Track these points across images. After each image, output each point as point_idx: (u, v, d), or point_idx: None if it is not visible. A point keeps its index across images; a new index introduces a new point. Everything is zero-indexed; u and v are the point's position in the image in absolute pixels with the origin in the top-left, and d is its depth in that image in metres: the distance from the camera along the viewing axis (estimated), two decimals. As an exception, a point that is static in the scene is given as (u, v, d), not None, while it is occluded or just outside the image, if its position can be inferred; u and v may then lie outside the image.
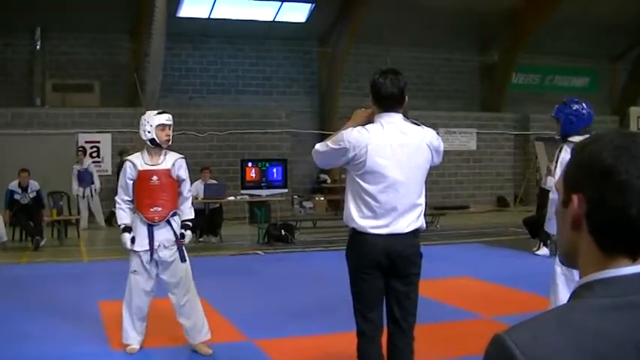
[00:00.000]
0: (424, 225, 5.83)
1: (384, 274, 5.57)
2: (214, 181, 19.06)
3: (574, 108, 7.09)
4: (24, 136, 22.90)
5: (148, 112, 8.07)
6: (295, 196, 26.11)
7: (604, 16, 28.30)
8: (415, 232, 5.66)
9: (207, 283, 12.42)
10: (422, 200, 5.77)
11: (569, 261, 1.67)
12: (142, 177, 7.86)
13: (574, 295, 1.57)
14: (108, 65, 26.15)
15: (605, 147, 1.56)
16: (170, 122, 7.96)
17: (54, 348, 8.18)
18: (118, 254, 15.07)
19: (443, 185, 28.21)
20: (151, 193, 7.84)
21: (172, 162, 8.04)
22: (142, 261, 7.86)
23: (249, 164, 20.14)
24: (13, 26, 24.59)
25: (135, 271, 7.89)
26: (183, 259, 7.98)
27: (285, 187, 20.43)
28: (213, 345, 8.16)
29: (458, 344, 8.14)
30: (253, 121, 26.43)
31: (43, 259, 15.96)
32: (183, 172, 8.11)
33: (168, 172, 7.96)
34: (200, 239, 18.58)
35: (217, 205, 18.75)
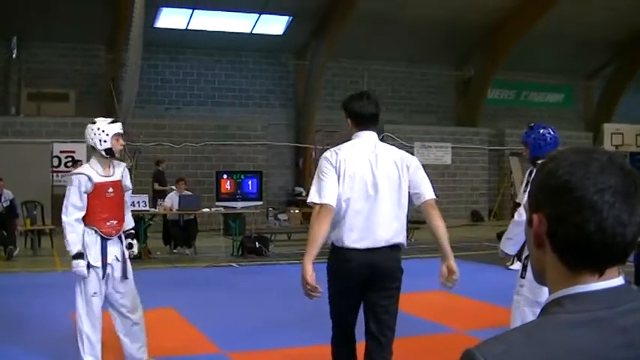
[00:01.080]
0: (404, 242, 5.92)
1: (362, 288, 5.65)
2: (189, 193, 19.01)
3: (541, 132, 7.37)
4: (-1, 145, 22.78)
5: (101, 120, 7.58)
6: (270, 209, 26.08)
7: (579, 33, 28.53)
8: (394, 247, 5.74)
9: (181, 294, 12.41)
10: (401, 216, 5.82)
11: (539, 278, 1.69)
12: (99, 189, 7.33)
13: (544, 311, 1.58)
14: (84, 75, 26.07)
15: (561, 164, 1.57)
16: (122, 131, 7.57)
17: None
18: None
19: (418, 199, 28.22)
20: (108, 207, 7.38)
21: (121, 172, 7.61)
22: (98, 280, 7.32)
23: (225, 176, 20.07)
24: (-11, 34, 24.49)
25: (95, 293, 7.29)
26: (126, 276, 7.52)
27: (260, 199, 20.38)
28: (187, 357, 8.12)
29: (431, 358, 8.15)
30: (229, 133, 26.41)
31: (16, 269, 15.86)
32: (128, 181, 7.74)
33: (120, 183, 7.55)
34: (174, 250, 18.54)
35: (192, 217, 18.70)
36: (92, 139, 7.38)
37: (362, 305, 5.81)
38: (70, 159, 23.78)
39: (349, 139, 5.76)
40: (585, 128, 33.10)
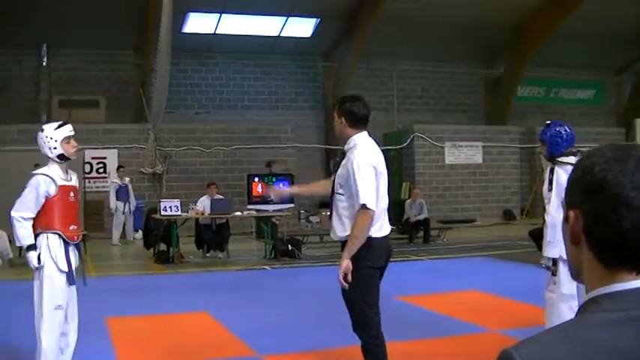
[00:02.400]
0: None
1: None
2: (221, 197, 19.04)
3: (557, 129, 7.45)
4: (30, 153, 22.84)
5: (47, 127, 7.29)
6: (302, 211, 26.08)
7: (609, 28, 28.31)
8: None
9: (214, 298, 12.44)
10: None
11: (577, 276, 1.67)
12: (62, 192, 7.10)
13: (582, 310, 1.56)
14: (114, 81, 26.26)
15: (598, 161, 1.55)
16: (73, 132, 7.27)
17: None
18: (128, 270, 15.15)
19: (449, 199, 28.16)
20: (70, 211, 7.21)
21: (76, 179, 7.44)
22: (63, 290, 7.04)
23: (256, 179, 20.14)
24: (20, 43, 24.71)
25: (59, 305, 7.00)
26: (72, 282, 7.19)
27: (291, 201, 20.39)
28: (220, 360, 8.14)
29: (466, 358, 8.11)
30: (259, 136, 26.45)
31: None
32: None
33: (77, 189, 7.40)
34: (207, 254, 18.57)
35: (224, 221, 18.72)
36: (42, 148, 7.21)
37: None
38: (101, 165, 23.95)
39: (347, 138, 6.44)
40: (617, 124, 32.87)
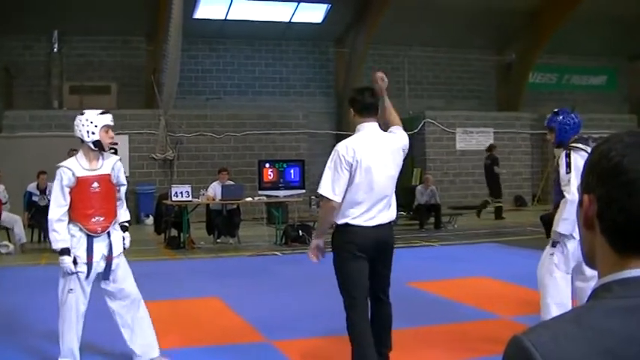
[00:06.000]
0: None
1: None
2: (232, 182, 19.05)
3: (566, 117, 7.62)
4: (42, 138, 22.99)
5: (89, 112, 7.15)
6: (313, 197, 26.08)
7: (622, 14, 28.20)
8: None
9: (225, 283, 12.47)
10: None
11: (589, 261, 1.66)
12: (82, 184, 6.99)
13: (593, 296, 1.56)
14: (125, 67, 26.28)
15: (614, 146, 1.54)
16: (113, 123, 7.16)
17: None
18: (141, 255, 15.17)
19: (460, 185, 28.15)
20: (91, 202, 7.02)
21: (111, 165, 7.23)
22: (79, 278, 7.04)
23: (267, 165, 20.10)
24: (31, 29, 24.76)
25: (72, 289, 7.03)
26: (107, 277, 7.20)
27: (302, 187, 20.37)
28: (232, 346, 8.15)
29: (476, 345, 8.11)
30: (270, 122, 26.46)
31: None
32: (122, 177, 7.38)
33: (108, 177, 7.16)
34: (218, 240, 18.61)
35: (235, 206, 18.74)
36: (80, 131, 7.03)
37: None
38: (113, 151, 23.92)
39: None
40: (630, 110, 32.75)
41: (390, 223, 6.56)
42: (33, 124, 23.68)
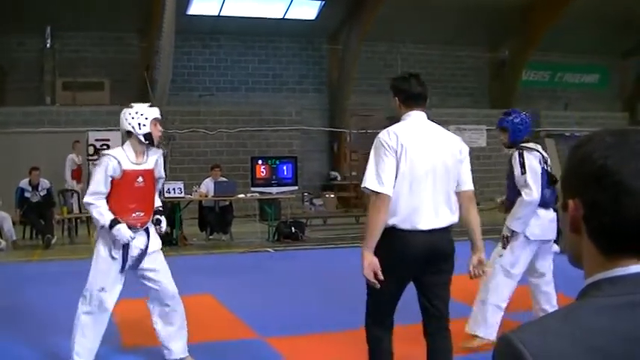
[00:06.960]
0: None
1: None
2: (224, 179, 19.04)
3: (519, 118, 8.26)
4: (34, 135, 22.93)
5: (139, 105, 7.23)
6: (305, 194, 26.08)
7: (615, 12, 28.18)
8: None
9: (217, 280, 12.47)
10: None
11: (575, 262, 1.66)
12: (127, 177, 6.87)
13: (583, 294, 1.56)
14: (118, 63, 26.18)
15: (597, 147, 1.53)
16: (160, 117, 7.15)
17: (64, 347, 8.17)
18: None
19: (453, 182, 28.13)
20: (135, 197, 6.94)
21: (155, 160, 7.14)
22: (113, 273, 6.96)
23: (259, 162, 20.12)
24: (24, 25, 24.65)
25: (103, 288, 6.93)
26: (122, 269, 7.02)
27: (295, 184, 20.39)
28: (225, 343, 8.15)
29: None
30: (263, 119, 26.43)
31: (53, 257, 16.01)
32: (162, 170, 7.33)
33: (152, 172, 7.10)
34: (210, 237, 18.61)
35: (227, 203, 18.74)
36: (130, 123, 6.95)
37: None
38: (105, 147, 23.90)
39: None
40: (621, 108, 32.78)
41: (447, 227, 5.75)
42: (25, 121, 23.60)
